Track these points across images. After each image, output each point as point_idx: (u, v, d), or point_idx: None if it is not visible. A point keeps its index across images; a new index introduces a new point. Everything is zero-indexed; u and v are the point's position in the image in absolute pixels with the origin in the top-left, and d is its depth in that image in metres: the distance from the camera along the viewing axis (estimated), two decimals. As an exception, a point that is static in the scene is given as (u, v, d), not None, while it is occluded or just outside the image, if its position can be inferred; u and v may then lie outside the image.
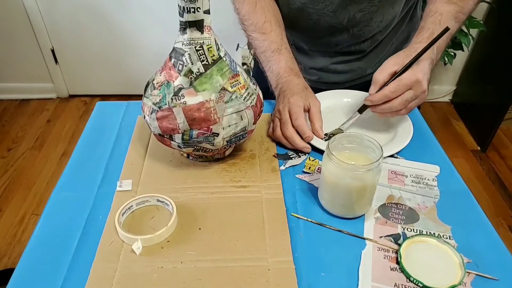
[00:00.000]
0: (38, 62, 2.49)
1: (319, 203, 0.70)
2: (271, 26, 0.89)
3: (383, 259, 0.61)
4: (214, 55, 0.66)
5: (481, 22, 2.03)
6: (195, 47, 0.64)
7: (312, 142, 0.80)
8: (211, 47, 0.65)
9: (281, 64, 0.87)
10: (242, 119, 0.69)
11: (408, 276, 0.58)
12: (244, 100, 0.69)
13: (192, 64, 0.65)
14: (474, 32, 2.15)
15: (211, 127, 0.67)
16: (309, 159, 0.78)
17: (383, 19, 0.92)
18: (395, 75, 0.74)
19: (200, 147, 0.70)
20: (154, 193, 0.68)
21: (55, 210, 0.69)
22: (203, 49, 0.64)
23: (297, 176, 0.75)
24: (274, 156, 0.79)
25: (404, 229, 0.65)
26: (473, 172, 2.10)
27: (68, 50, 2.46)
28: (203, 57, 0.65)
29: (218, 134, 0.68)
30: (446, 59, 2.07)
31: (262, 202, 0.69)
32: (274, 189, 0.72)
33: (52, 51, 2.45)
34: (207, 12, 0.62)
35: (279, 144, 0.82)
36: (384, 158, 0.75)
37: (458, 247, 0.62)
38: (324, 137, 0.81)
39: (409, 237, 0.63)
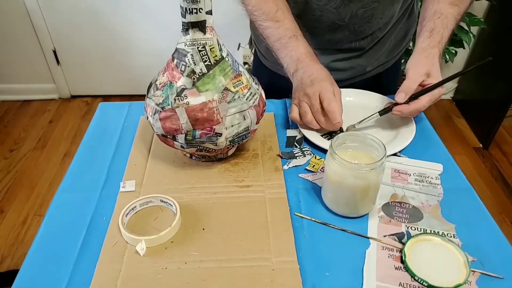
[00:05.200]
0: (40, 63, 2.49)
1: (322, 203, 0.69)
2: (284, 14, 0.88)
3: (387, 258, 0.61)
4: (216, 56, 0.66)
5: (482, 19, 2.02)
6: (197, 47, 0.64)
7: (315, 141, 0.80)
8: (213, 47, 0.65)
9: (300, 49, 0.86)
10: (245, 119, 0.69)
11: (412, 275, 0.58)
12: (246, 100, 0.69)
13: (195, 64, 0.65)
14: (475, 29, 2.14)
15: (214, 127, 0.67)
16: (315, 158, 0.78)
17: (383, 16, 0.93)
18: (425, 90, 0.78)
19: (203, 147, 0.70)
20: (158, 194, 0.69)
21: (58, 211, 0.69)
22: (205, 49, 0.64)
23: (300, 175, 0.75)
24: (278, 155, 0.79)
25: (408, 228, 0.65)
26: (475, 169, 2.10)
27: (69, 51, 2.46)
28: (206, 58, 0.65)
29: (221, 134, 0.68)
30: (448, 56, 2.07)
31: (266, 201, 0.69)
32: (278, 189, 0.72)
33: (54, 52, 2.46)
34: (209, 12, 0.62)
35: (282, 142, 0.82)
36: (387, 156, 0.75)
37: (463, 246, 0.62)
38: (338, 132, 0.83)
39: (413, 236, 0.63)
